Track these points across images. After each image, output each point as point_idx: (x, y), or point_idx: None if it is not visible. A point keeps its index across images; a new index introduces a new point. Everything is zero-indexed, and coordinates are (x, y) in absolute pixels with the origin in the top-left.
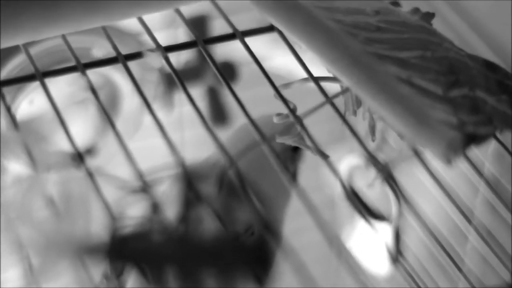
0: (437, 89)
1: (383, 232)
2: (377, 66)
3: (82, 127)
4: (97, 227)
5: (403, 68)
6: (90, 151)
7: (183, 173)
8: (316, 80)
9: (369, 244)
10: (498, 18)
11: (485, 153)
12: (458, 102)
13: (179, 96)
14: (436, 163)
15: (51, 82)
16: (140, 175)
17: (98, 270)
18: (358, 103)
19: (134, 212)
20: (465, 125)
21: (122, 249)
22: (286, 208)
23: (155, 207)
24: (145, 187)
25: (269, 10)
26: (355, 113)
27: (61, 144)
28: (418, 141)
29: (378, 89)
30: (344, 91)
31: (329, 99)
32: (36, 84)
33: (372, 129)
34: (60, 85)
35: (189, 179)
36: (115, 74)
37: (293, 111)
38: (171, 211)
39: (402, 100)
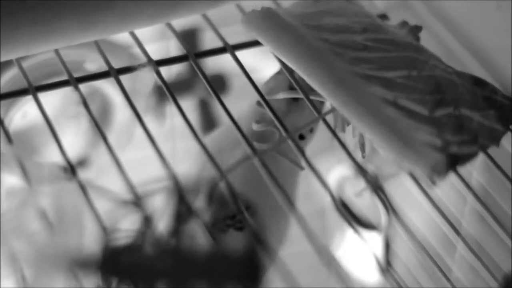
0: (423, 109)
1: (373, 242)
2: (363, 87)
3: (74, 139)
4: (90, 240)
5: (389, 89)
6: (82, 163)
7: (175, 186)
8: (307, 96)
9: (359, 253)
10: (485, 30)
11: (473, 164)
12: (443, 122)
13: (171, 108)
14: None
15: (43, 95)
16: (132, 187)
17: (90, 282)
18: (348, 120)
19: (126, 225)
20: (449, 146)
21: (114, 262)
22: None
23: (147, 220)
24: (137, 200)
25: (258, 30)
26: (344, 129)
27: (54, 156)
28: (403, 163)
29: (364, 111)
30: (335, 108)
31: (321, 116)
32: (29, 97)
33: (362, 146)
34: (52, 98)
35: (181, 192)
36: (107, 86)
37: (284, 126)
38: (162, 224)
39: (387, 123)
